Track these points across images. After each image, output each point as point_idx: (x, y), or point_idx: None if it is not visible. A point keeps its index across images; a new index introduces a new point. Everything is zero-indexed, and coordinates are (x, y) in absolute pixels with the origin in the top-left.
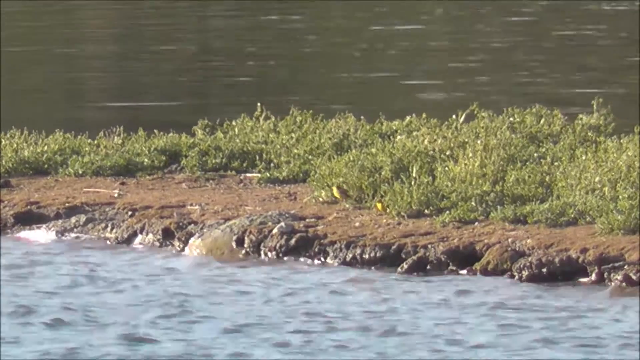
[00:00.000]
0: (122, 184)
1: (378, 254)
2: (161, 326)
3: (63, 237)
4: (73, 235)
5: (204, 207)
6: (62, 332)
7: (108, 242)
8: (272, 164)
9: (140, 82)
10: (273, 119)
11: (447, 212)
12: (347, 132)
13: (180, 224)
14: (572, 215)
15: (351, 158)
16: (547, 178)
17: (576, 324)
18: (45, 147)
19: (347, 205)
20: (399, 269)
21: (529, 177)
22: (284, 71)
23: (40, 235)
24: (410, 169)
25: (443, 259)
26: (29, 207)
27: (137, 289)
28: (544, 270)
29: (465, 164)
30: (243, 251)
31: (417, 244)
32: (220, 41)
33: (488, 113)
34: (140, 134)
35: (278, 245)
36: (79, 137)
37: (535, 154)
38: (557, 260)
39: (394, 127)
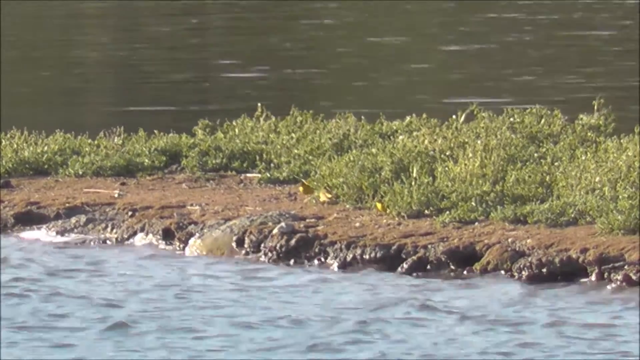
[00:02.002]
0: (123, 184)
1: (378, 254)
2: None
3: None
4: (73, 235)
5: (204, 207)
6: None
7: (108, 242)
8: (272, 164)
9: (141, 83)
10: (273, 119)
11: (447, 212)
12: (347, 132)
13: (181, 224)
14: (572, 215)
15: (351, 158)
16: (547, 178)
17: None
18: (46, 148)
19: (348, 206)
20: (399, 269)
21: (529, 177)
22: (287, 72)
23: (41, 236)
24: (410, 169)
25: (443, 259)
26: (29, 207)
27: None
28: (544, 270)
29: (466, 164)
30: (243, 251)
31: (417, 244)
32: (220, 41)
33: (488, 113)
34: (141, 134)
35: (278, 245)
36: (79, 137)
37: (536, 154)
38: (557, 260)
39: (394, 127)
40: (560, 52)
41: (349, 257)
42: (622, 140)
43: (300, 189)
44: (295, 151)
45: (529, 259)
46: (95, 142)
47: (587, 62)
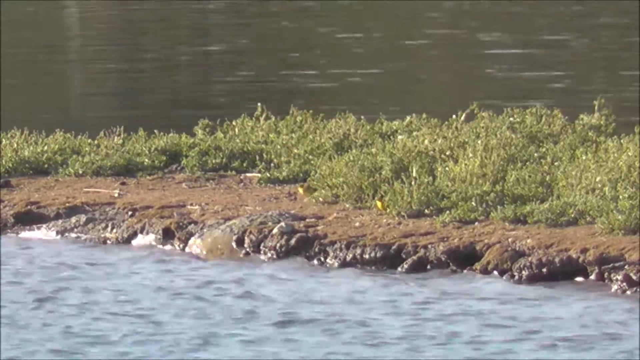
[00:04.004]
0: (123, 184)
1: (378, 254)
2: None
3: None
4: (73, 235)
5: (204, 207)
6: None
7: (109, 242)
8: (272, 164)
9: (142, 84)
10: (273, 118)
11: (448, 212)
12: (347, 132)
13: (181, 223)
14: (573, 215)
15: (351, 158)
16: (548, 178)
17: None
18: (46, 147)
19: (348, 205)
20: (399, 268)
21: (529, 177)
22: (285, 71)
23: (41, 235)
24: (410, 169)
25: (443, 258)
26: (29, 207)
27: None
28: (544, 270)
29: (466, 164)
30: (243, 251)
31: (417, 243)
32: (219, 41)
33: (488, 113)
34: (141, 134)
35: (278, 245)
36: (79, 137)
37: (536, 154)
38: (557, 260)
39: (394, 127)
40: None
41: (349, 257)
42: (622, 141)
43: (300, 190)
44: (295, 151)
45: (529, 258)
46: (95, 141)
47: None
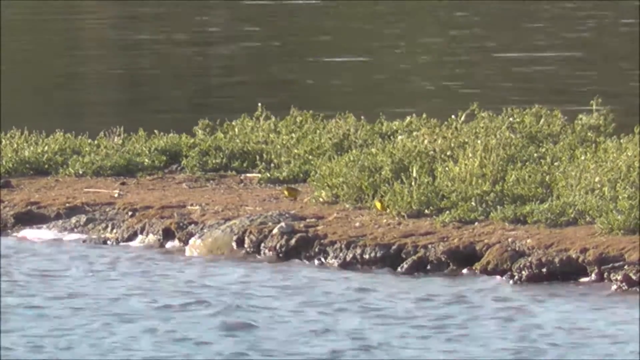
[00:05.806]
0: (123, 184)
1: (378, 254)
2: None
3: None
4: (74, 235)
5: (205, 207)
6: None
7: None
8: (272, 164)
9: (142, 83)
10: (273, 119)
11: (447, 212)
12: (347, 132)
13: (181, 224)
14: (572, 215)
15: (351, 158)
16: (547, 178)
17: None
18: (46, 147)
19: (348, 206)
20: (399, 269)
21: (529, 177)
22: (284, 72)
23: (41, 235)
24: (410, 169)
25: (443, 259)
26: (29, 207)
27: None
28: (544, 270)
29: (465, 164)
30: (243, 251)
31: (417, 244)
32: (219, 41)
33: (488, 113)
34: (141, 134)
35: (278, 245)
36: (80, 137)
37: (535, 154)
38: (557, 260)
39: (394, 127)
40: None
41: (349, 257)
42: (621, 140)
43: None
44: (295, 151)
45: (529, 258)
46: (96, 141)
47: None
